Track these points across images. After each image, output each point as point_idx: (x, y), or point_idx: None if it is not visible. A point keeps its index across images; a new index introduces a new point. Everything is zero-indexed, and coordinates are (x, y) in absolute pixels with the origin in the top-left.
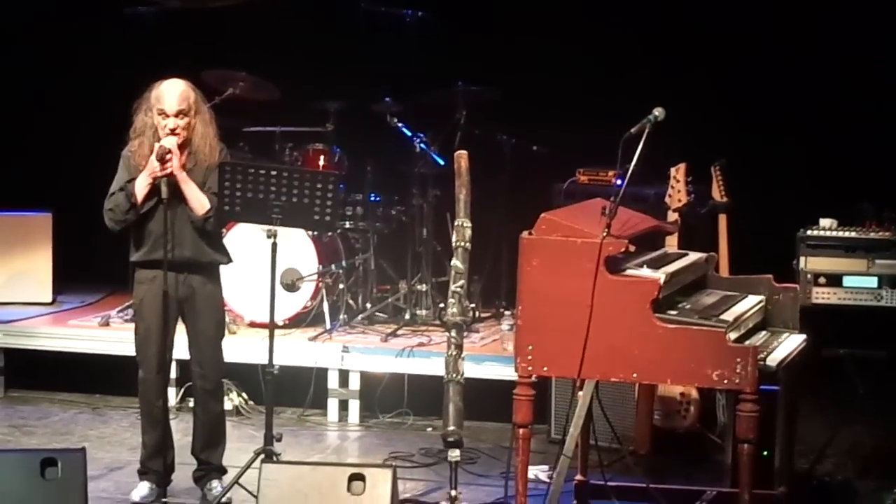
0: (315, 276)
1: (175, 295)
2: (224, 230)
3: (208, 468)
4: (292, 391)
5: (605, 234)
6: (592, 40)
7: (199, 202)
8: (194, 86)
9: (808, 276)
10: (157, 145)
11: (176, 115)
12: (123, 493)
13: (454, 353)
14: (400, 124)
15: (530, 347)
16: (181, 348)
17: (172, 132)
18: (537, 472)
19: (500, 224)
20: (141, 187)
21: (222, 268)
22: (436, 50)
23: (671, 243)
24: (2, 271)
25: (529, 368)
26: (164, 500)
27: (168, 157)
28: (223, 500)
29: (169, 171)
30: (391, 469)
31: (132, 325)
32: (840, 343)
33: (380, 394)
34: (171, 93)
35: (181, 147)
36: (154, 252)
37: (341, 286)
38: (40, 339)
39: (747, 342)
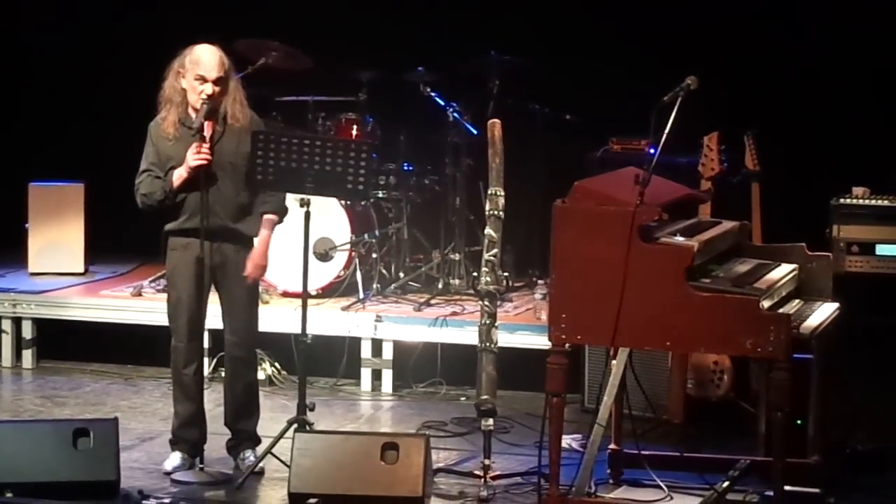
0: (348, 246)
1: (208, 263)
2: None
3: (241, 438)
4: (325, 361)
5: (638, 202)
6: (624, 9)
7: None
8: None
9: (842, 244)
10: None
11: (214, 82)
12: (156, 464)
13: (487, 322)
14: (433, 93)
15: (563, 316)
16: (215, 318)
17: (210, 97)
18: (570, 440)
19: (533, 193)
20: (178, 179)
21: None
22: (469, 19)
23: (704, 212)
24: (34, 242)
25: (563, 337)
26: (200, 466)
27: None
28: (256, 469)
29: (205, 162)
30: (424, 438)
31: (164, 295)
32: (873, 311)
33: (413, 363)
34: (210, 59)
35: (212, 112)
36: (189, 221)
37: (374, 255)
38: (72, 310)
39: (780, 310)
